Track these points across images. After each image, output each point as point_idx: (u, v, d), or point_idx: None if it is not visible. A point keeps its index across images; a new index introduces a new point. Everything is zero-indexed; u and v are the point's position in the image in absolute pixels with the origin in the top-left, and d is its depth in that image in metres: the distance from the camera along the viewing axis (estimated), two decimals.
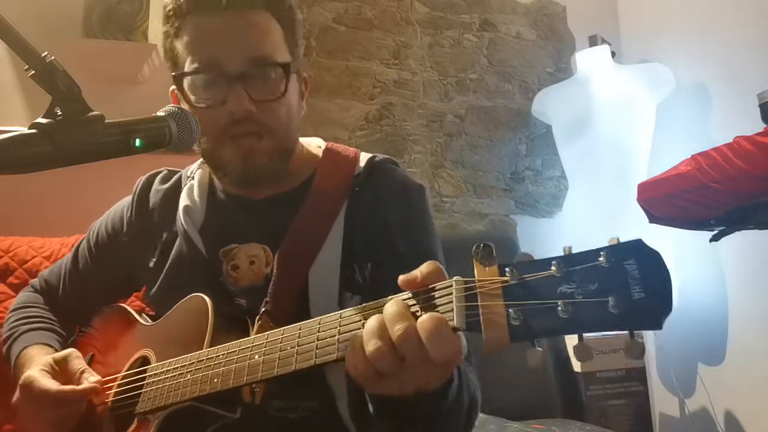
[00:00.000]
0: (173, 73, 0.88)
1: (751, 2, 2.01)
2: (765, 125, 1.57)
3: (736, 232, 1.63)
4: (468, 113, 2.42)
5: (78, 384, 0.85)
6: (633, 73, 2.26)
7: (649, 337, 2.15)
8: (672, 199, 1.63)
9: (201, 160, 0.99)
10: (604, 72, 2.26)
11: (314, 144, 1.03)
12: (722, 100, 2.12)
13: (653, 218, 1.72)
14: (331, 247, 0.88)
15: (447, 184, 2.36)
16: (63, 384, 0.85)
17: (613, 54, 2.32)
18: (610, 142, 2.18)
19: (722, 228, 1.62)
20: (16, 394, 0.87)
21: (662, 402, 2.30)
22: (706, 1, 2.20)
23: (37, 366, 0.88)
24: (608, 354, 2.03)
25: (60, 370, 0.88)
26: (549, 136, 2.42)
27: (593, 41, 2.32)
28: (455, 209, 2.34)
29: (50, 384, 0.84)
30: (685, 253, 2.07)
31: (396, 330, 0.53)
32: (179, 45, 0.87)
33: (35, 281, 1.14)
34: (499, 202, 2.41)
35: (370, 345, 0.54)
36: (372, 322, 0.56)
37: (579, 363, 2.01)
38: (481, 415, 1.66)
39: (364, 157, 0.97)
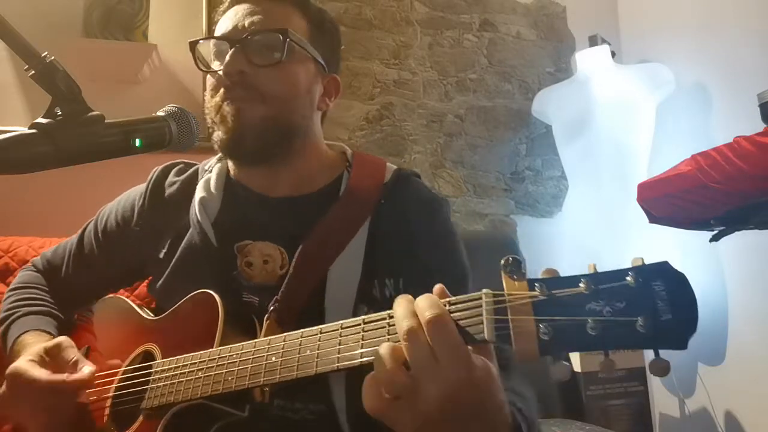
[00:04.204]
0: (189, 41, 0.94)
1: (751, 2, 2.01)
2: (765, 125, 1.56)
3: (736, 232, 1.62)
4: (468, 113, 2.42)
5: (72, 373, 0.83)
6: (633, 73, 2.26)
7: None
8: (672, 199, 1.62)
9: (220, 154, 1.00)
10: (604, 72, 2.25)
11: (339, 150, 1.04)
12: (722, 100, 2.12)
13: (653, 218, 1.72)
14: (353, 253, 0.88)
15: (447, 184, 2.35)
16: (54, 373, 0.83)
17: (613, 54, 2.31)
18: (610, 142, 2.17)
19: (722, 228, 1.62)
20: (3, 387, 0.85)
21: (662, 402, 2.30)
22: (706, 1, 2.20)
23: (25, 356, 0.85)
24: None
25: (50, 359, 0.86)
26: (549, 136, 2.42)
27: (593, 41, 2.32)
28: (455, 209, 2.34)
29: (40, 373, 0.81)
30: (685, 253, 2.06)
31: (427, 314, 0.53)
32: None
33: (37, 260, 1.12)
34: (499, 202, 2.41)
35: (404, 323, 0.53)
36: (403, 306, 0.55)
37: (579, 363, 2.01)
38: None
39: (390, 168, 0.99)
